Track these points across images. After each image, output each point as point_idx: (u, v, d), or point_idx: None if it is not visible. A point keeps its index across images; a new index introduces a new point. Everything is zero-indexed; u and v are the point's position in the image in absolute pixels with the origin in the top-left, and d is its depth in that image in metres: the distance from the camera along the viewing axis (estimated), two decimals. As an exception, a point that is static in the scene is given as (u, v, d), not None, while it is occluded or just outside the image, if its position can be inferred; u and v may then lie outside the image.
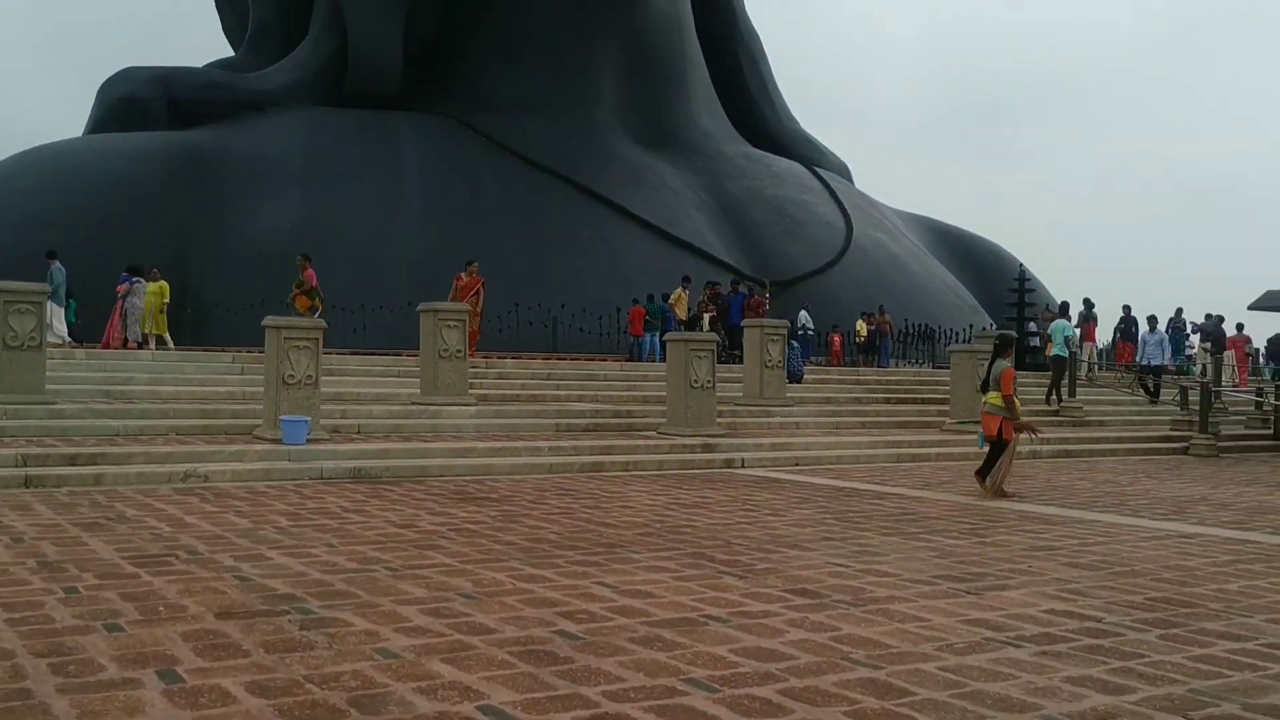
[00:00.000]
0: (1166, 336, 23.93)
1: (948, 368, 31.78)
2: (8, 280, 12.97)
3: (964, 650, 4.91)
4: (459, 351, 14.71)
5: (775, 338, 17.17)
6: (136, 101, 35.86)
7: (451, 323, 14.66)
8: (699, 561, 6.91)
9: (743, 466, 13.42)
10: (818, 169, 43.50)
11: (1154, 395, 22.95)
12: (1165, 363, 23.32)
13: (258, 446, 11.27)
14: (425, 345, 14.82)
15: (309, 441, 11.68)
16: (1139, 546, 8.08)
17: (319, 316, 17.99)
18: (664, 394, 17.28)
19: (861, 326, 32.09)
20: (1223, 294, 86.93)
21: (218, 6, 43.87)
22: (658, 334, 28.13)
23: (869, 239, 39.41)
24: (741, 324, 22.46)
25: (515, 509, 9.19)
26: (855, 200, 42.44)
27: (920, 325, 34.50)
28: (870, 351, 31.93)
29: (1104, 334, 36.37)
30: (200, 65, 39.52)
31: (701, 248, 35.18)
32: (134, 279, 20.23)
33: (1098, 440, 17.34)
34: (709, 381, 14.55)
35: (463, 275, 20.66)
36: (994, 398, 11.20)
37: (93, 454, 10.47)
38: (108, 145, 33.66)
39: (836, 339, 31.94)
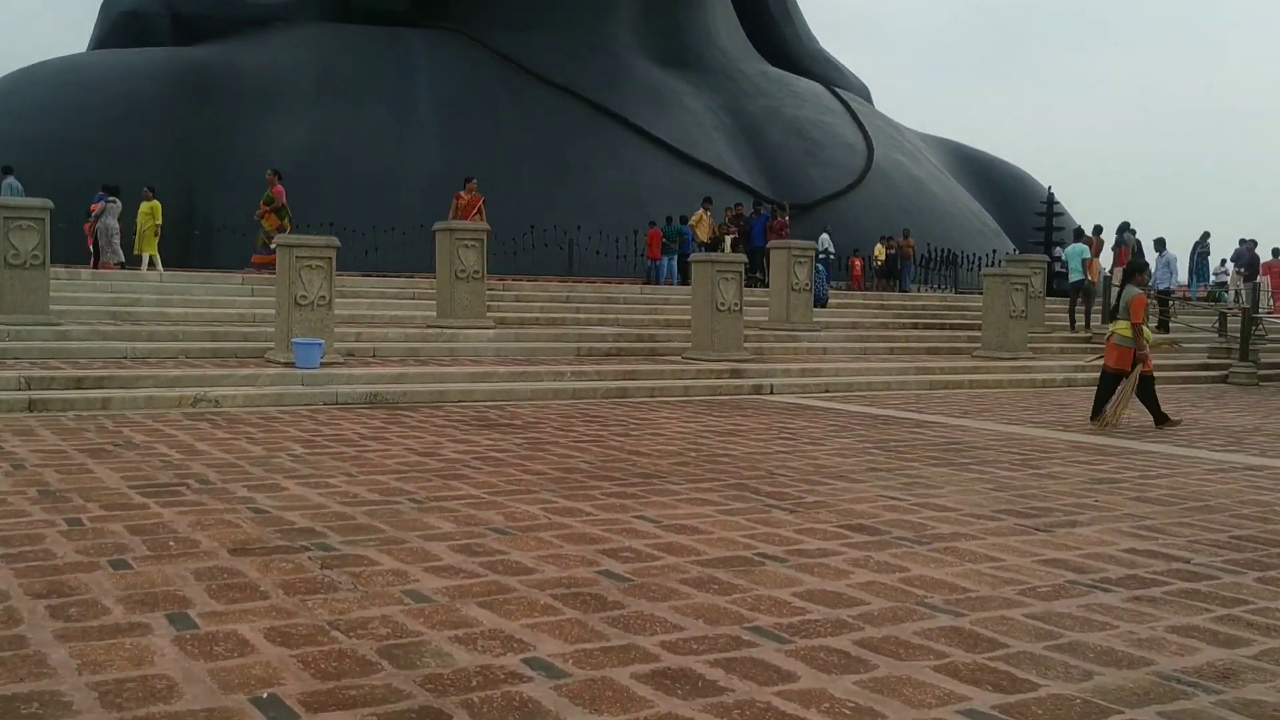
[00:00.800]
0: (1175, 258, 23.20)
1: (971, 292, 31.31)
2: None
3: (1049, 595, 4.47)
4: (476, 272, 14.20)
5: (802, 260, 16.61)
6: (140, 16, 35.03)
7: (469, 242, 14.14)
8: (743, 494, 6.47)
9: (772, 393, 12.97)
10: (838, 89, 42.52)
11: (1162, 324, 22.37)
12: (1172, 286, 22.65)
13: (270, 370, 10.83)
14: (441, 266, 14.31)
15: (323, 365, 11.25)
16: (1206, 480, 7.61)
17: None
18: (687, 318, 16.81)
19: (880, 250, 31.43)
20: (1265, 219, 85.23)
21: (223, -81, 42.66)
22: (675, 257, 27.60)
23: (890, 161, 38.59)
24: (765, 246, 21.98)
25: (541, 436, 8.76)
26: (876, 122, 41.53)
27: (943, 250, 33.83)
28: (890, 276, 31.31)
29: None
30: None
31: (720, 169, 34.44)
32: (108, 199, 19.43)
33: (1133, 367, 16.80)
34: (736, 304, 14.04)
35: (462, 194, 20.04)
36: (1122, 326, 10.60)
37: (100, 377, 10.04)
38: (110, 62, 32.93)
39: (858, 263, 31.31)
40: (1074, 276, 19.55)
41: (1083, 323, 19.81)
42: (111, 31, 35.13)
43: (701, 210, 24.35)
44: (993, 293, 16.39)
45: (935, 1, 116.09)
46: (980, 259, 34.43)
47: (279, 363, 11.35)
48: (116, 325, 12.40)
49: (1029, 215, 43.80)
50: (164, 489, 6.10)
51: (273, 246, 16.94)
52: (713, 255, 14.27)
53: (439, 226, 14.49)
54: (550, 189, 31.08)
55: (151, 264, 18.42)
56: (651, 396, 12.15)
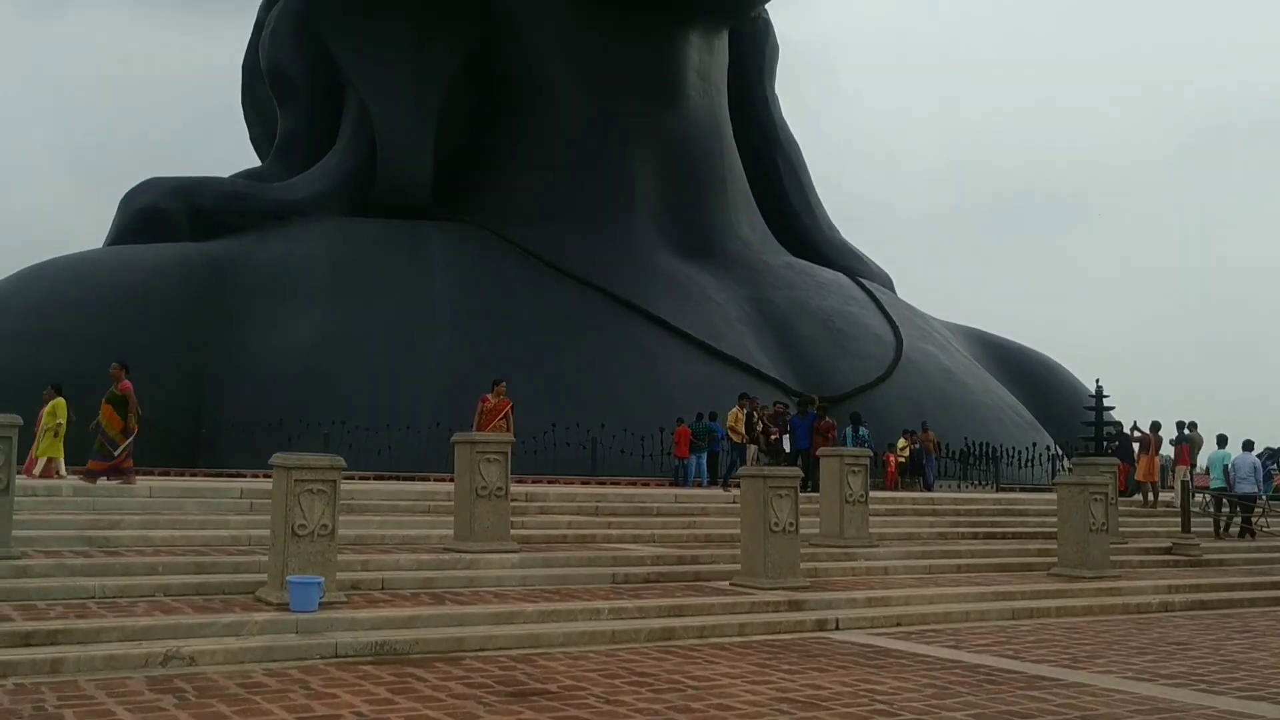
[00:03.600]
0: (1259, 462, 21.60)
1: (1012, 488, 29.66)
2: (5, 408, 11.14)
3: None
4: (500, 490, 12.68)
5: (857, 469, 15.10)
6: (158, 212, 34.53)
7: (492, 456, 12.66)
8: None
9: (837, 629, 11.24)
10: (861, 279, 41.78)
11: (1247, 529, 20.66)
12: (1257, 491, 21.03)
13: (259, 615, 9.20)
14: (460, 482, 12.81)
15: (322, 606, 9.62)
16: None
17: (131, 441, 15.73)
18: (729, 532, 15.24)
19: (903, 445, 29.98)
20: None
21: (245, 117, 42.97)
22: (704, 455, 26.13)
23: (920, 352, 37.44)
24: (807, 447, 20.47)
25: (584, 715, 7.07)
26: (902, 311, 40.60)
27: (981, 444, 32.29)
28: (914, 473, 29.78)
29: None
30: (226, 176, 38.35)
31: (747, 362, 33.23)
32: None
33: (1231, 587, 15.06)
34: (791, 524, 12.45)
35: (489, 396, 18.71)
36: None
37: (54, 630, 8.43)
38: (121, 257, 32.26)
39: (891, 459, 29.74)
40: (1215, 484, 18.98)
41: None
42: (129, 226, 34.62)
43: (738, 408, 22.82)
44: (1069, 504, 14.76)
45: (934, 189, 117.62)
46: (1020, 453, 32.91)
47: (271, 604, 9.73)
48: (86, 558, 10.82)
49: (1062, 406, 42.44)
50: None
51: (116, 453, 15.33)
52: (766, 470, 12.76)
53: (459, 438, 13.04)
54: (571, 384, 29.82)
55: (49, 469, 16.74)
56: (702, 638, 10.44)
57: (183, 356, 29.96)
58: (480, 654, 9.23)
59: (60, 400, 18.06)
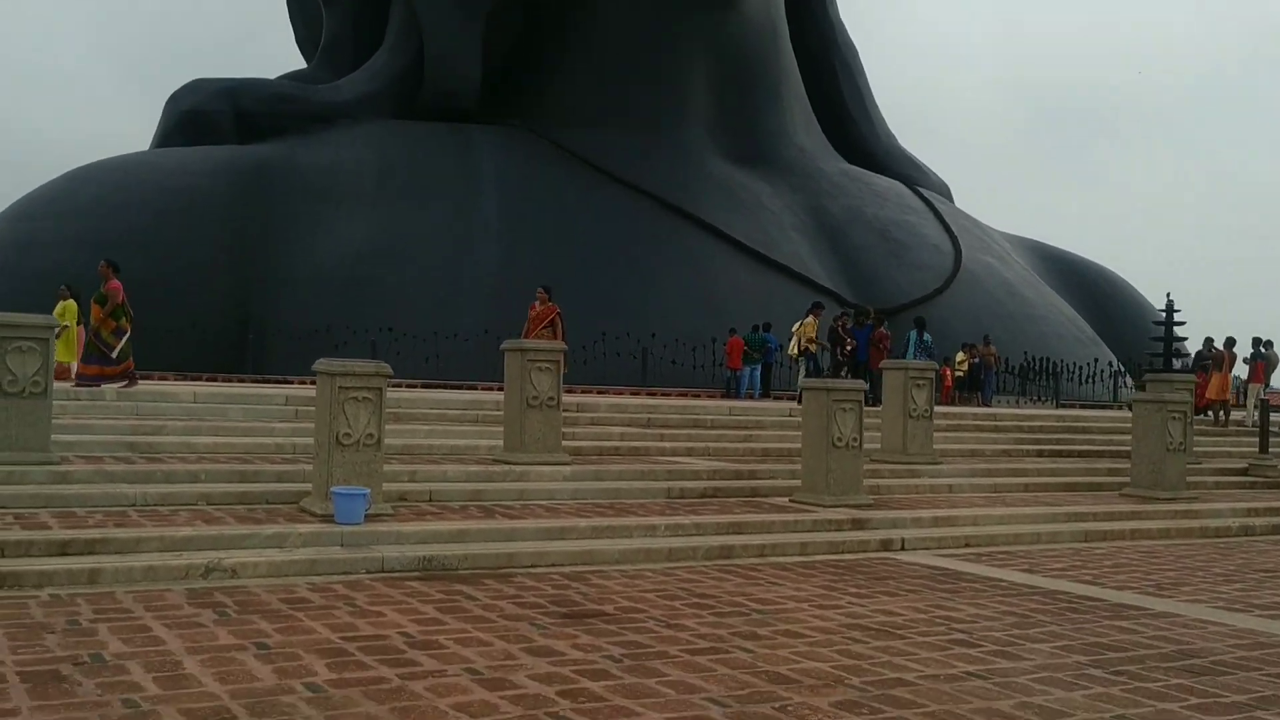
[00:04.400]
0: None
1: (1072, 406, 28.86)
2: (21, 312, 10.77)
3: None
4: (551, 400, 12.22)
5: (922, 383, 14.49)
6: (204, 114, 34.09)
7: (543, 365, 12.18)
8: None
9: (903, 549, 10.75)
10: (919, 188, 40.66)
11: None
12: None
13: (302, 528, 8.83)
14: (510, 391, 12.35)
15: (368, 518, 9.24)
16: None
17: (127, 341, 15.03)
18: (786, 446, 14.74)
19: (962, 359, 29.18)
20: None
21: (291, 19, 42.19)
22: (758, 367, 25.56)
23: (979, 263, 36.49)
24: (865, 360, 19.84)
25: (642, 639, 6.62)
26: (960, 221, 39.54)
27: (1041, 359, 31.47)
28: (972, 388, 29.03)
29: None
30: (272, 78, 37.72)
31: (801, 272, 32.55)
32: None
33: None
34: (855, 439, 11.90)
35: (536, 304, 18.13)
36: None
37: (91, 540, 8.10)
38: (167, 160, 31.88)
39: (948, 373, 29.02)
40: None
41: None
42: (174, 129, 34.23)
43: (811, 317, 21.90)
44: (1145, 422, 14.08)
45: (994, 98, 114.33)
46: (1080, 369, 32.08)
47: (315, 515, 9.36)
48: (128, 465, 10.50)
49: (1124, 321, 41.40)
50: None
51: (114, 355, 14.76)
52: (829, 381, 12.17)
53: (509, 345, 12.56)
54: (622, 293, 29.29)
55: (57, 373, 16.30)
56: (762, 557, 9.99)
57: (229, 262, 29.74)
58: (532, 571, 8.83)
59: (70, 303, 17.71)
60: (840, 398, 11.77)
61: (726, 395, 24.94)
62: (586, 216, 31.41)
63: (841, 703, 5.43)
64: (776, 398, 25.12)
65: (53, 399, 10.37)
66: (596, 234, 30.84)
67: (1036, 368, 30.94)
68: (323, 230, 30.78)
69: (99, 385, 14.36)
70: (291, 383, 20.43)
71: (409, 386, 21.34)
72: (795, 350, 22.16)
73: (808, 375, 20.01)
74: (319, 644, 6.20)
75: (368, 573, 8.41)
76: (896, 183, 39.92)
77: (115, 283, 15.25)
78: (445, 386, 22.44)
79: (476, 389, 21.66)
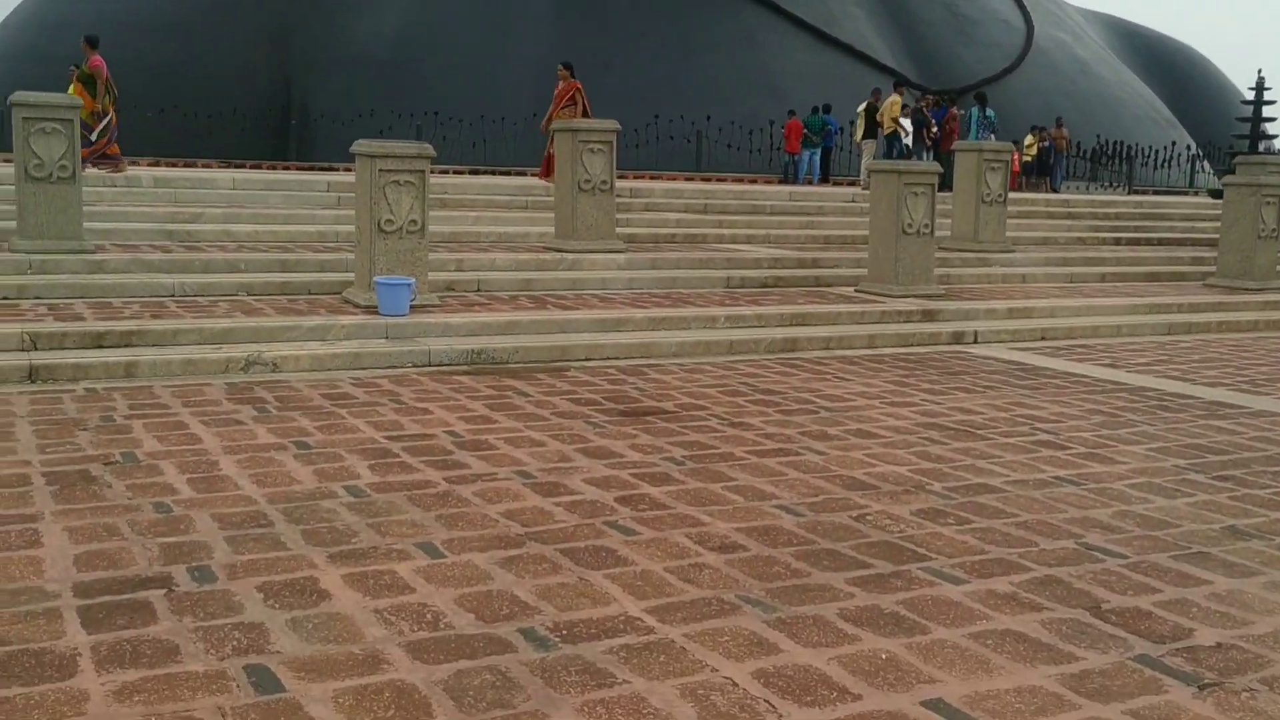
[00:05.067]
0: None
1: (1145, 191, 27.64)
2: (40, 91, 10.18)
3: None
4: (604, 183, 11.58)
5: (996, 165, 13.64)
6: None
7: (596, 146, 11.48)
8: (1088, 634, 3.84)
9: (976, 342, 10.21)
10: (990, -40, 38.22)
11: None
12: None
13: (346, 318, 8.43)
14: (561, 174, 11.72)
15: (413, 309, 8.82)
16: None
17: (108, 123, 14.23)
18: (850, 233, 14.09)
19: (1031, 142, 27.83)
20: None
21: None
22: (818, 151, 24.60)
23: (1051, 41, 34.60)
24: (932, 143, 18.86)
25: (705, 439, 6.20)
26: (1034, -4, 37.31)
27: (1115, 143, 30.07)
28: (1041, 172, 27.80)
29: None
30: None
31: (862, 50, 30.99)
32: None
33: None
34: (926, 225, 11.21)
35: (559, 83, 16.85)
36: None
37: (128, 331, 7.75)
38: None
39: (1015, 156, 27.81)
40: None
41: None
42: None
43: (896, 95, 20.28)
44: (1237, 207, 13.20)
45: None
46: (1156, 153, 30.66)
47: (359, 306, 8.95)
48: (165, 254, 10.09)
49: (1205, 103, 39.45)
50: (121, 606, 3.71)
51: (93, 137, 13.86)
52: (898, 164, 11.41)
53: (560, 125, 11.83)
54: (675, 74, 28.08)
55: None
56: (827, 350, 9.50)
57: (270, 45, 28.80)
58: (586, 364, 8.41)
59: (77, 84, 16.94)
60: (912, 181, 11.03)
61: (784, 180, 24.09)
62: (638, -8, 29.86)
63: (924, 511, 4.99)
64: (836, 183, 24.24)
65: (83, 184, 9.88)
66: (648, 12, 29.38)
67: (1109, 152, 29.58)
68: (366, 11, 29.60)
69: (94, 168, 13.82)
70: (336, 169, 19.86)
71: (455, 172, 20.73)
72: (860, 134, 20.97)
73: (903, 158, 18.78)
74: (362, 443, 5.84)
75: (414, 366, 8.04)
76: (966, -47, 37.51)
77: (97, 59, 14.39)
78: (493, 172, 21.78)
79: (525, 174, 20.98)
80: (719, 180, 22.63)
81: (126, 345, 7.65)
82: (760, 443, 6.18)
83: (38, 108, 9.41)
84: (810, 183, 23.80)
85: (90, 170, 13.64)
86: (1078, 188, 27.67)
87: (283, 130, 27.81)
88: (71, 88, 14.27)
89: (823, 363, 8.94)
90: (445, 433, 6.15)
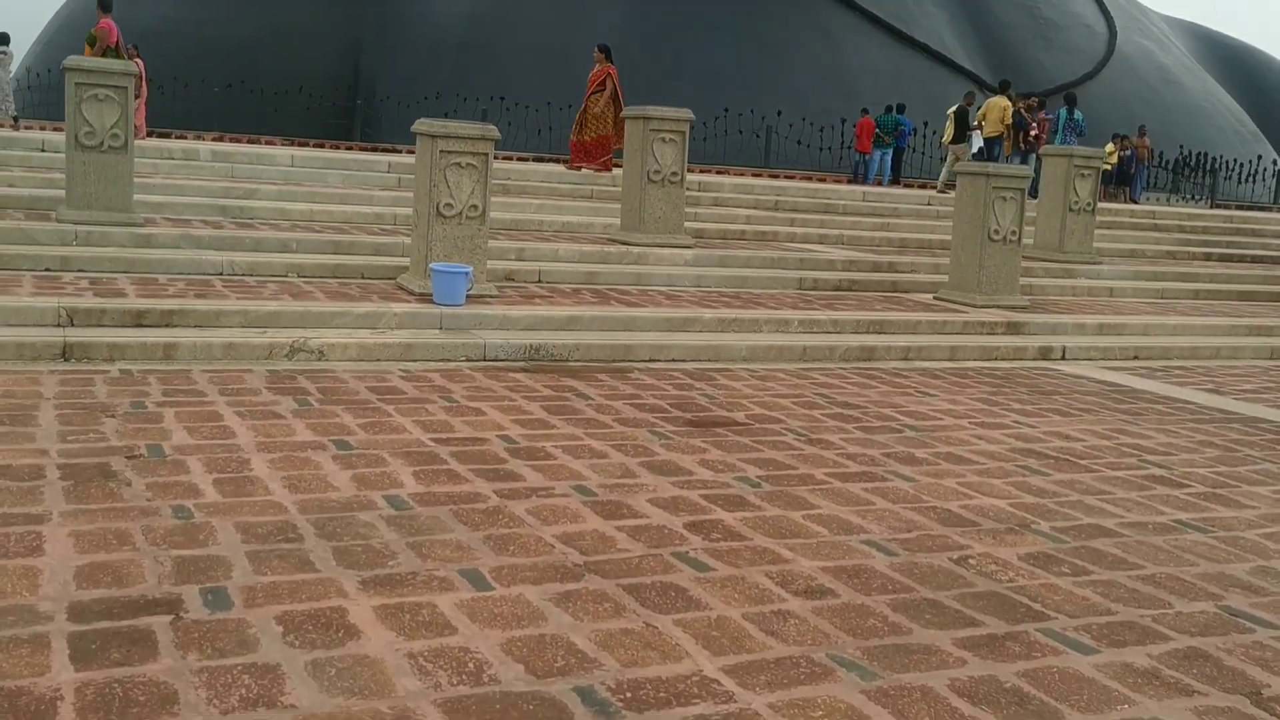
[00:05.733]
0: None
1: (1228, 207, 26.59)
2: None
3: None
4: (675, 175, 11.03)
5: (1087, 173, 12.92)
6: None
7: (668, 135, 10.94)
8: None
9: (1064, 359, 9.56)
10: (1074, -38, 37.16)
11: None
12: None
13: (399, 306, 7.96)
14: (630, 163, 11.19)
15: (469, 299, 8.34)
16: None
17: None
18: (926, 237, 13.46)
19: (1111, 150, 26.81)
20: None
21: None
22: (890, 152, 23.89)
23: (1135, 47, 33.53)
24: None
25: (781, 458, 5.65)
26: (1117, 1, 36.22)
27: (1198, 154, 29.02)
28: (1120, 181, 26.78)
29: None
30: None
31: (939, 51, 30.17)
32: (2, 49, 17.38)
33: None
34: (1014, 232, 10.56)
35: (594, 66, 16.08)
36: None
37: (169, 310, 7.33)
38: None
39: (1097, 166, 26.80)
40: None
41: None
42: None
43: (1005, 99, 19.06)
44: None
45: None
46: (1240, 166, 29.55)
47: (413, 294, 8.49)
48: (215, 230, 9.68)
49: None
50: (124, 633, 3.23)
51: None
52: (988, 166, 10.74)
53: (630, 113, 11.29)
54: (747, 67, 27.46)
55: None
56: (906, 361, 8.90)
57: (340, 21, 28.53)
58: (650, 366, 7.89)
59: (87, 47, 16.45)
60: (1001, 185, 10.37)
61: (853, 180, 23.40)
62: (712, -18, 29.25)
63: (1033, 556, 4.41)
64: (906, 185, 23.52)
65: (134, 155, 9.50)
66: (723, 2, 28.77)
67: (1191, 164, 28.53)
68: (434, -9, 29.23)
69: None
70: (399, 151, 19.49)
71: (520, 158, 20.28)
72: (949, 138, 19.92)
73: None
74: (407, 446, 5.35)
75: (467, 360, 7.55)
76: (1049, -46, 36.49)
77: (106, 20, 13.77)
78: (557, 161, 21.29)
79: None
80: (787, 177, 22.00)
81: (167, 325, 7.24)
82: (842, 464, 5.61)
83: (91, 73, 9.03)
84: (880, 183, 23.10)
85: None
86: (1158, 199, 26.70)
87: (348, 110, 27.53)
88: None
89: (902, 375, 8.35)
90: (498, 437, 5.64)
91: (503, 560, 3.95)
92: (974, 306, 10.32)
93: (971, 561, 4.30)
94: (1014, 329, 9.88)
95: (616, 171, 14.06)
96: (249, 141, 20.27)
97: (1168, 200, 26.84)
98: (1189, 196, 27.97)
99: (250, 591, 3.52)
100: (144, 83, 13.93)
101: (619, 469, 5.22)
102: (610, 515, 4.53)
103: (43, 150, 11.94)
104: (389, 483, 4.76)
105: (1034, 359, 9.46)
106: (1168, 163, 28.25)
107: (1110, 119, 28.96)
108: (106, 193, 9.12)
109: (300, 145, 20.61)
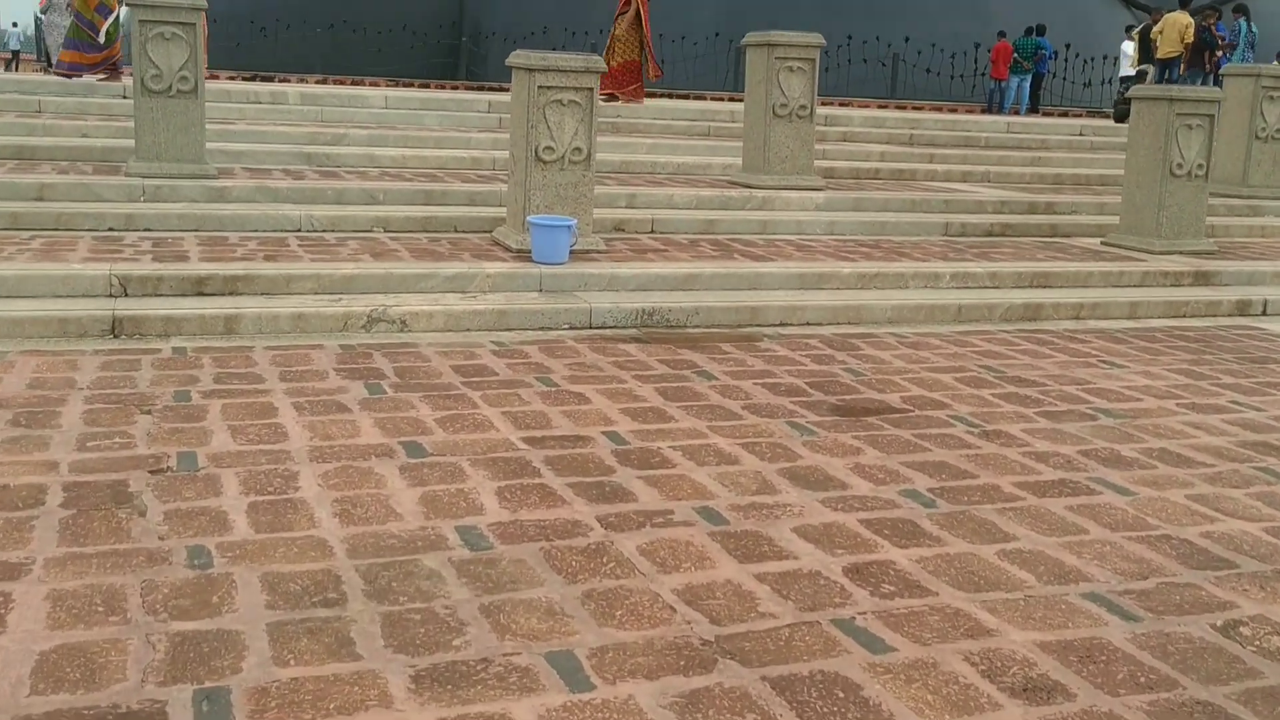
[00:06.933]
0: None
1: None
2: None
3: None
4: (804, 108, 9.82)
5: (1276, 95, 11.30)
6: None
7: (796, 64, 9.71)
8: None
9: (1265, 314, 8.18)
10: None
11: None
12: None
13: (491, 267, 6.97)
14: (753, 96, 9.99)
15: (574, 255, 7.31)
16: None
17: (114, 21, 12.35)
18: (1085, 171, 12.03)
19: (1266, 68, 24.39)
20: None
21: None
22: (1029, 78, 22.12)
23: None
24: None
25: (953, 456, 4.53)
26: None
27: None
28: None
29: None
30: None
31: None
32: None
33: None
34: (1201, 165, 9.11)
35: None
36: None
37: (233, 276, 6.45)
38: None
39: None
40: None
41: None
42: None
43: (1178, 13, 17.16)
44: None
45: None
46: None
47: (510, 250, 7.50)
48: (295, 180, 8.79)
49: None
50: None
51: (100, 38, 12.21)
52: (1170, 89, 9.28)
53: (752, 39, 10.06)
54: (870, -11, 25.70)
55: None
56: (1078, 320, 7.63)
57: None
58: (782, 332, 6.78)
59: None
60: (1187, 110, 8.92)
61: (987, 110, 21.72)
62: (832, -100, 27.43)
63: (1324, 619, 3.23)
64: (1046, 114, 21.75)
65: (206, 99, 8.64)
66: (843, -80, 26.95)
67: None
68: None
69: (81, 75, 12.33)
70: (504, 89, 18.49)
71: (625, 103, 19.11)
72: (1138, 59, 17.90)
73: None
74: (493, 449, 4.36)
75: (571, 328, 6.55)
76: None
77: None
78: (671, 95, 20.06)
79: (705, 98, 19.24)
80: (915, 108, 20.45)
81: (231, 293, 6.37)
82: (1032, 468, 4.47)
83: (156, 9, 8.16)
84: (1017, 112, 21.40)
85: (87, 78, 12.19)
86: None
87: (453, 49, 26.61)
88: None
89: (1078, 337, 7.10)
90: (604, 434, 4.63)
91: (607, 635, 2.94)
92: (1152, 253, 8.94)
93: (1243, 630, 3.15)
94: (1203, 279, 8.50)
95: (734, 106, 12.88)
96: (352, 84, 19.50)
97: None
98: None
99: (261, 697, 2.57)
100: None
101: (754, 480, 4.17)
102: (747, 555, 3.48)
103: (124, 97, 11.21)
104: (466, 507, 3.77)
105: (1230, 315, 8.09)
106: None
107: (1273, 34, 26.47)
108: (177, 141, 8.29)
109: (405, 86, 19.75)
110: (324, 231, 7.90)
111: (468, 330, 6.38)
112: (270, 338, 6.02)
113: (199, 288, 6.35)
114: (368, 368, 5.51)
